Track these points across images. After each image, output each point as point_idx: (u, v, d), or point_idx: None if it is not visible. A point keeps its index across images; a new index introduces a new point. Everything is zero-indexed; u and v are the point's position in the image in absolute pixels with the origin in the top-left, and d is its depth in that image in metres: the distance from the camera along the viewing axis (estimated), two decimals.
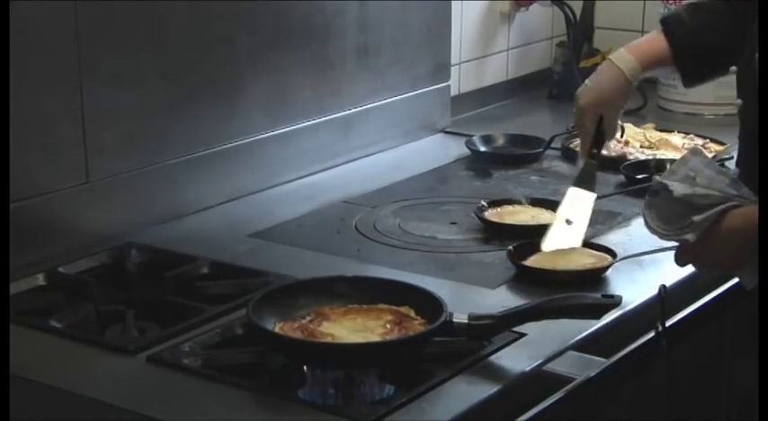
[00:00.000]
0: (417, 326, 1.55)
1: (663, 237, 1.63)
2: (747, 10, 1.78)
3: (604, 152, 2.43)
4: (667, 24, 1.95)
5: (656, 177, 1.77)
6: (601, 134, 2.01)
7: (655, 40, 1.95)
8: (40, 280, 1.79)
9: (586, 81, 2.01)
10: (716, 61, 1.93)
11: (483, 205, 2.07)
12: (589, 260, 1.86)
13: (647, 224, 1.65)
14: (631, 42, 1.98)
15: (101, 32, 1.91)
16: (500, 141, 2.59)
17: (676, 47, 1.93)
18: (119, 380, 1.52)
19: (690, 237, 1.59)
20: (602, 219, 2.06)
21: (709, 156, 2.00)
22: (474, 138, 2.57)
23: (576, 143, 2.50)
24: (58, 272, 1.81)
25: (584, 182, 1.99)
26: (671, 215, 1.61)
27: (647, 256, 1.85)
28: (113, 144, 1.97)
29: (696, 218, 1.58)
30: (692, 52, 1.93)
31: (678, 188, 1.60)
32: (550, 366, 1.55)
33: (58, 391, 1.49)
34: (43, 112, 1.84)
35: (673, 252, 1.67)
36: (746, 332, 1.77)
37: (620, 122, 2.51)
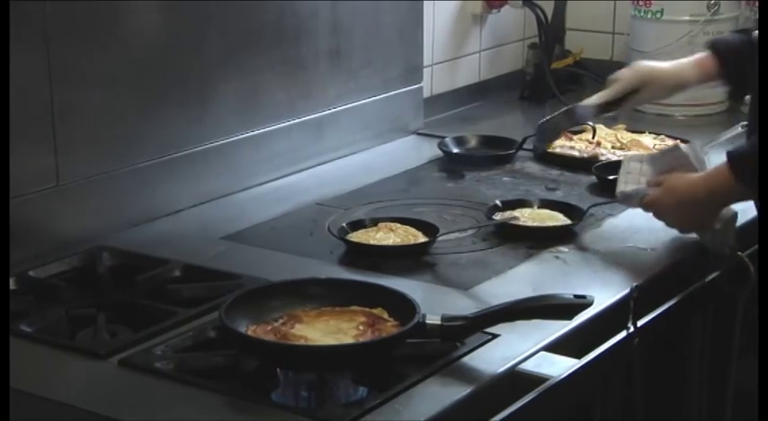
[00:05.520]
0: (390, 327, 1.55)
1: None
2: None
3: (575, 154, 2.45)
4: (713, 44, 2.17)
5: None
6: (626, 96, 2.22)
7: (706, 57, 2.16)
8: (11, 284, 1.78)
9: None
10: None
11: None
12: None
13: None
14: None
15: (70, 34, 1.90)
16: (472, 143, 2.59)
17: (723, 61, 2.13)
18: (90, 384, 1.52)
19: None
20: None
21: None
22: (446, 139, 2.57)
23: (554, 146, 2.51)
24: (29, 275, 1.80)
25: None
26: None
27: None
28: (84, 147, 1.96)
29: None
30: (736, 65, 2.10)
31: None
32: (523, 367, 1.55)
33: (28, 396, 1.48)
34: (13, 115, 1.83)
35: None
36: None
37: (591, 123, 2.53)
